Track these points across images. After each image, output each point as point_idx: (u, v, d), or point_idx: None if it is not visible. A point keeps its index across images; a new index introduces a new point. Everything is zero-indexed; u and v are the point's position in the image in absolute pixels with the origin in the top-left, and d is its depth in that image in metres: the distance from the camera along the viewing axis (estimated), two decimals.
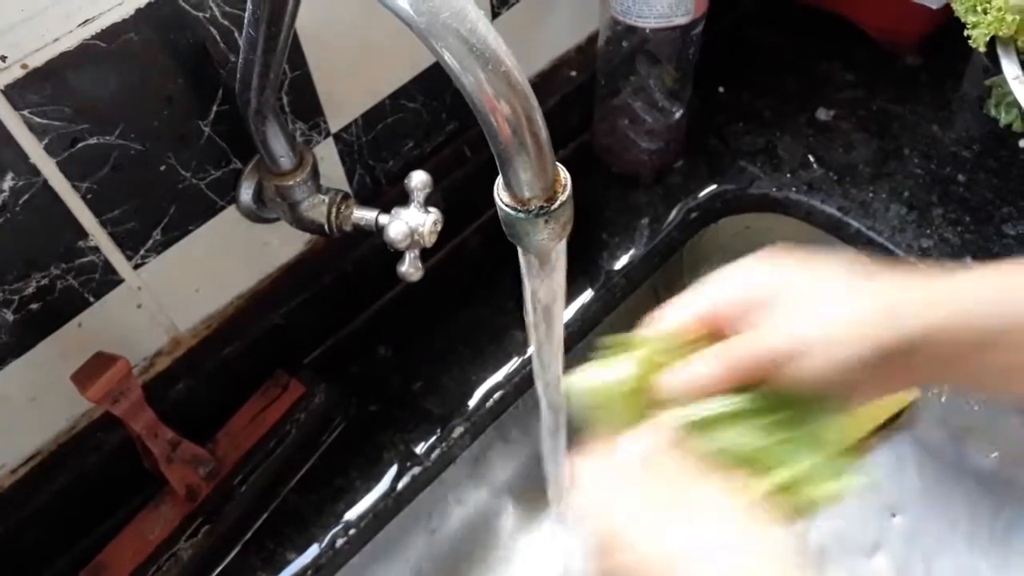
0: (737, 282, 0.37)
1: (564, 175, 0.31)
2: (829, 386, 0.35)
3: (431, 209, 0.49)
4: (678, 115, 0.67)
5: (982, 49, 0.62)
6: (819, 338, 0.34)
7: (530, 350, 0.62)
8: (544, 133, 0.28)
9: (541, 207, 0.30)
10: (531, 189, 0.30)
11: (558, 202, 0.30)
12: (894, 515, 0.68)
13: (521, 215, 0.30)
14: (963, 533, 0.67)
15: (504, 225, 0.31)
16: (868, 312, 0.34)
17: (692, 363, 0.36)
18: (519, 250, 0.34)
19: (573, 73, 0.70)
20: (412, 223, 0.48)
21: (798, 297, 0.36)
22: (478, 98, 0.27)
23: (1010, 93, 0.62)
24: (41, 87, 0.39)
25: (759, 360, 0.35)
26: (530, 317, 0.38)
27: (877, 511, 0.68)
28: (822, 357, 0.34)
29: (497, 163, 0.29)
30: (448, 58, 0.27)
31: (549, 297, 0.36)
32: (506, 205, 0.30)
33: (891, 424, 0.67)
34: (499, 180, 0.30)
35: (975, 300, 0.34)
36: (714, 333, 0.37)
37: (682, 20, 0.59)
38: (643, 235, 0.68)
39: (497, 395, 0.61)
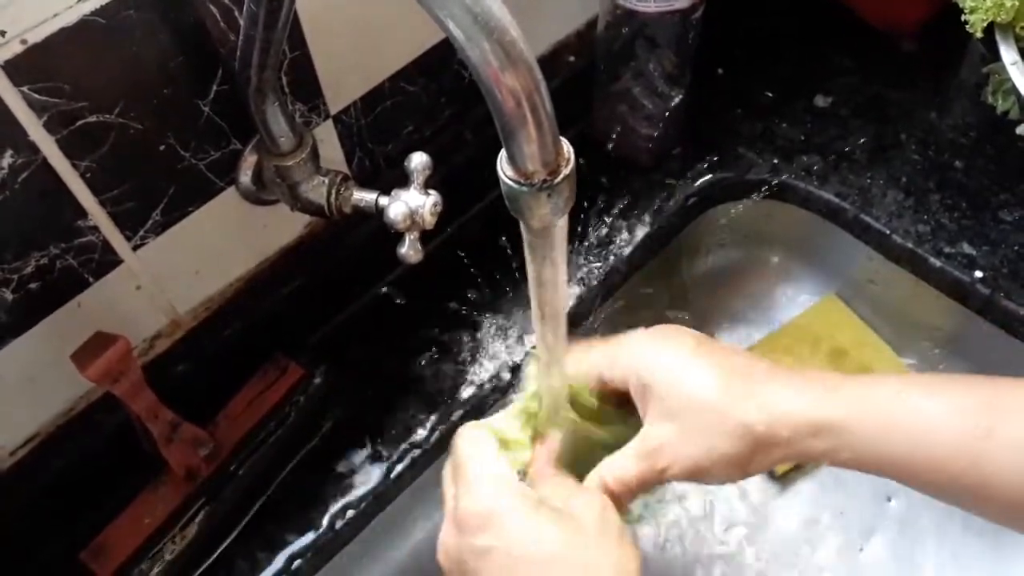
0: (630, 362, 0.44)
1: (567, 149, 0.31)
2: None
3: (431, 191, 0.49)
4: (677, 101, 0.67)
5: (980, 35, 0.62)
6: (700, 464, 0.41)
7: (532, 332, 0.62)
8: (548, 106, 0.28)
9: (544, 181, 0.30)
10: (534, 162, 0.30)
11: (561, 176, 0.30)
12: (889, 499, 0.69)
13: (524, 189, 0.30)
14: (958, 518, 0.67)
15: (507, 199, 0.31)
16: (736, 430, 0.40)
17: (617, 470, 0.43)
18: (521, 226, 0.34)
19: (572, 58, 0.70)
20: (412, 204, 0.48)
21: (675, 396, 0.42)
22: (483, 69, 0.27)
23: (1008, 80, 0.62)
24: (41, 63, 0.39)
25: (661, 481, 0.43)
26: (532, 296, 0.38)
27: (873, 496, 0.69)
28: (709, 476, 0.41)
29: (500, 136, 0.29)
30: (453, 29, 0.26)
31: (551, 274, 0.36)
32: (509, 179, 0.30)
33: None
34: (502, 153, 0.30)
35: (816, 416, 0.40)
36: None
37: (682, 4, 0.59)
38: (642, 220, 0.68)
39: (497, 379, 0.61)
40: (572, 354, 0.45)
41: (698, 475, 0.41)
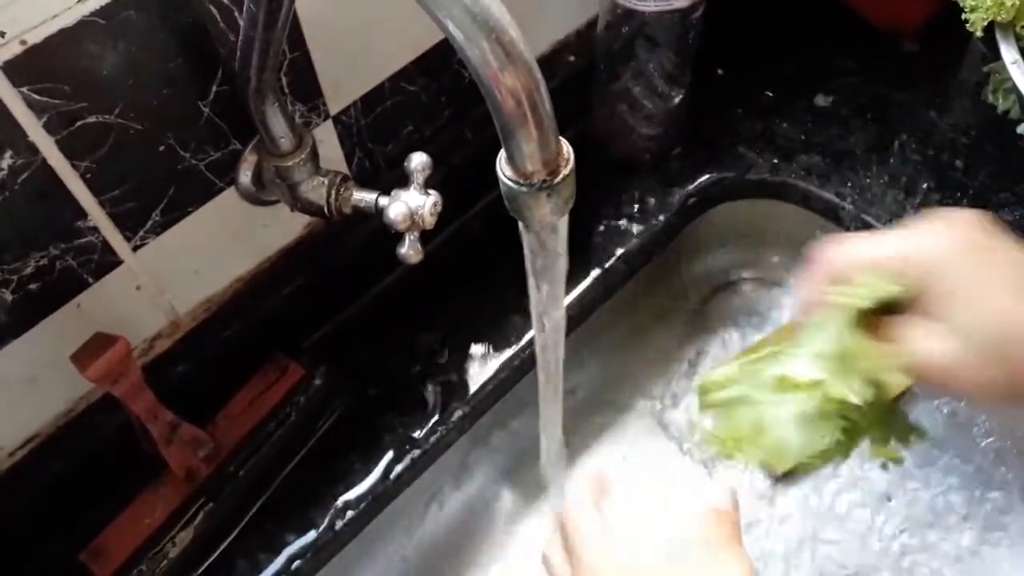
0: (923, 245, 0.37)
1: (567, 149, 0.31)
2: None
3: (431, 191, 0.48)
4: (677, 100, 0.67)
5: (980, 34, 0.62)
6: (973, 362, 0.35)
7: (531, 332, 0.62)
8: (548, 106, 0.28)
9: (544, 181, 0.30)
10: (533, 162, 0.30)
11: (560, 176, 0.30)
12: (890, 499, 0.69)
13: (524, 189, 0.30)
14: (957, 516, 0.67)
15: (506, 200, 0.31)
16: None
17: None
18: (521, 226, 0.34)
19: (572, 58, 0.70)
20: (412, 204, 0.48)
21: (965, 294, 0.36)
22: (482, 69, 0.27)
23: (1008, 79, 0.62)
24: (40, 64, 0.39)
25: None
26: (532, 296, 0.38)
27: (872, 495, 0.69)
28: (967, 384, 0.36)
29: (500, 136, 0.29)
30: (452, 28, 0.26)
31: (551, 275, 0.36)
32: (508, 179, 0.30)
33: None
34: (502, 154, 0.30)
35: None
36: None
37: (682, 3, 0.59)
38: (641, 221, 0.68)
39: (496, 379, 0.61)
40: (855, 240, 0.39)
41: (950, 387, 0.37)
